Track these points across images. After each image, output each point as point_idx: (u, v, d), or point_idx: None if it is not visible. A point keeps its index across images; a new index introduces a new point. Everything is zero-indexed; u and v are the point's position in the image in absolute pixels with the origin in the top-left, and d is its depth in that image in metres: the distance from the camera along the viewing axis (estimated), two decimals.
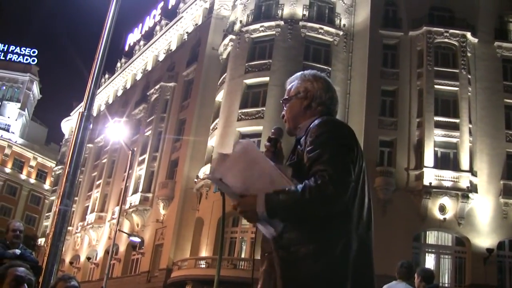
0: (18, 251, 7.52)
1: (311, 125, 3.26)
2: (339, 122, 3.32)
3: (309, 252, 2.96)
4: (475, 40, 43.15)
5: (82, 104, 6.47)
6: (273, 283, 3.11)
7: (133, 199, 51.88)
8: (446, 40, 42.74)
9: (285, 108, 3.57)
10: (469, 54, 42.42)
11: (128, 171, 34.91)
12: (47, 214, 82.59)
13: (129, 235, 44.51)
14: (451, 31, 42.73)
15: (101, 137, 66.38)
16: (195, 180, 44.70)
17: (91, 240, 60.84)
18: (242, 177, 3.05)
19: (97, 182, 65.07)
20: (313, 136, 3.16)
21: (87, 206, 65.28)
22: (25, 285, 4.21)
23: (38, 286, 5.24)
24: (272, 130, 3.59)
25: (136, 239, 43.54)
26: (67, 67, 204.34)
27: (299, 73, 3.65)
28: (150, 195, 50.98)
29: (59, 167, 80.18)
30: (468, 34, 42.74)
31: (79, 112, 6.25)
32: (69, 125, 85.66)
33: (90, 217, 62.16)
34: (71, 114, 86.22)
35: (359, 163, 3.17)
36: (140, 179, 52.95)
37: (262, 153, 3.26)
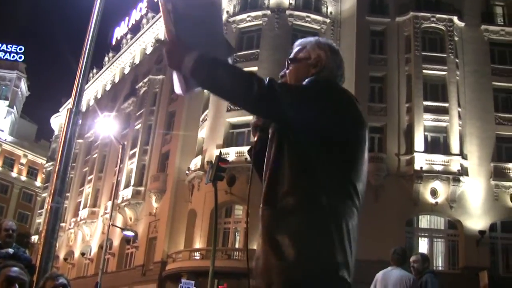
0: (11, 251, 7.50)
1: None
2: (327, 82, 3.01)
3: (298, 203, 2.66)
4: (462, 24, 43.24)
5: (71, 100, 6.45)
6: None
7: (125, 193, 51.79)
8: (433, 25, 42.81)
9: (286, 69, 3.21)
10: (456, 38, 42.53)
11: (119, 165, 34.88)
12: (39, 211, 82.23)
13: (123, 229, 44.52)
14: (437, 15, 42.78)
15: (91, 132, 66.08)
16: (187, 172, 44.69)
17: (84, 235, 60.72)
18: (193, 23, 2.79)
19: (89, 178, 64.88)
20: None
21: (80, 202, 65.08)
22: (16, 285, 4.20)
23: (33, 284, 5.24)
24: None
25: (130, 233, 43.57)
26: (54, 62, 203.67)
27: (313, 38, 3.29)
28: (142, 188, 50.90)
29: (50, 163, 79.83)
30: (455, 18, 42.81)
31: (68, 109, 6.23)
32: (58, 121, 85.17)
33: (83, 213, 62.02)
34: (60, 110, 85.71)
35: (347, 114, 2.91)
36: (132, 173, 52.84)
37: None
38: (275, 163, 2.84)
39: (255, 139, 3.22)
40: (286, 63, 3.22)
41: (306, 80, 2.95)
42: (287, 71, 3.20)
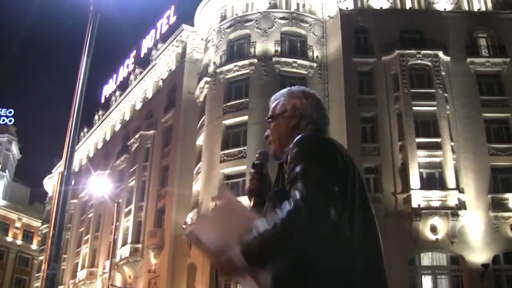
0: None
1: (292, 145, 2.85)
2: (321, 136, 2.95)
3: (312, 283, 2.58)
4: (448, 59, 43.55)
5: (62, 162, 6.33)
6: None
7: (123, 251, 51.32)
8: (419, 61, 43.09)
9: (268, 129, 3.18)
10: (443, 73, 42.78)
11: (116, 223, 34.63)
12: (37, 275, 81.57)
13: None
14: (423, 52, 43.11)
15: (85, 191, 65.86)
16: (184, 226, 44.34)
17: None
18: (220, 232, 2.70)
19: (85, 238, 64.46)
20: (291, 155, 2.78)
21: (77, 263, 64.57)
22: None
23: None
24: (257, 155, 3.30)
25: None
26: (45, 123, 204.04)
27: (285, 90, 3.25)
28: (139, 245, 50.46)
29: (45, 225, 79.41)
30: (440, 53, 43.15)
31: (59, 172, 6.11)
32: (51, 182, 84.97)
33: (81, 274, 61.48)
34: (52, 171, 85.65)
35: (350, 177, 2.77)
36: (128, 230, 52.45)
37: (239, 202, 2.85)
38: None
39: (251, 204, 3.19)
40: (266, 123, 3.19)
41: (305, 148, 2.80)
42: (269, 131, 3.17)
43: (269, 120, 3.19)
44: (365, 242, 2.72)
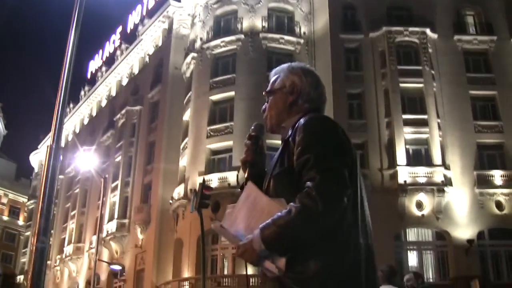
0: None
1: (299, 124, 2.94)
2: (328, 119, 3.00)
3: (319, 267, 2.67)
4: (435, 36, 43.55)
5: (50, 136, 6.32)
6: None
7: (110, 227, 51.34)
8: (407, 38, 43.08)
9: (266, 103, 3.25)
10: (430, 50, 42.83)
11: (102, 199, 34.58)
12: (23, 250, 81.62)
13: (109, 263, 44.10)
14: (410, 29, 43.08)
15: (71, 167, 65.72)
16: (170, 201, 44.39)
17: (71, 272, 60.15)
18: (245, 221, 2.86)
19: (72, 213, 64.44)
20: (300, 137, 2.85)
21: (64, 238, 64.61)
22: None
23: None
24: (252, 127, 3.31)
25: (117, 267, 43.12)
26: (31, 99, 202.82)
27: (285, 65, 3.34)
28: (126, 221, 50.50)
29: (32, 201, 79.34)
30: (428, 31, 43.14)
31: (48, 146, 6.08)
32: (38, 158, 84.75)
33: (68, 249, 61.52)
34: (39, 147, 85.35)
35: (354, 164, 2.89)
36: (115, 205, 52.43)
37: (260, 192, 2.92)
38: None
39: (245, 175, 3.19)
40: (265, 96, 3.27)
41: (311, 129, 2.90)
42: (267, 105, 3.25)
43: (268, 94, 3.25)
44: (362, 225, 2.86)
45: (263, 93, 3.28)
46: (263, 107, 3.28)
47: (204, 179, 31.03)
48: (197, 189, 23.06)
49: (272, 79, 3.29)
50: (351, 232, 2.77)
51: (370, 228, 2.95)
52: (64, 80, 6.46)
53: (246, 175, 3.19)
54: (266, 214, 2.77)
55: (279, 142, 3.14)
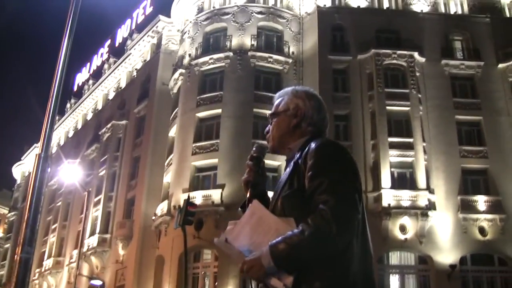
0: None
1: (309, 148, 3.01)
2: (339, 144, 3.09)
3: (325, 287, 2.74)
4: (423, 60, 43.82)
5: (36, 147, 6.25)
6: None
7: (91, 241, 50.91)
8: (395, 61, 43.28)
9: (270, 125, 3.34)
10: (418, 74, 43.06)
11: (85, 213, 34.38)
12: (2, 263, 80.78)
13: (89, 278, 43.74)
14: (398, 52, 43.32)
15: (54, 179, 65.27)
16: (153, 217, 44.15)
17: (49, 286, 59.61)
18: (250, 238, 2.90)
19: (53, 226, 63.95)
20: (312, 161, 2.93)
21: (44, 252, 64.02)
22: None
23: None
24: (254, 148, 3.38)
25: (97, 282, 42.79)
26: (13, 110, 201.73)
27: (289, 88, 3.42)
28: (108, 236, 50.10)
29: (13, 213, 78.74)
30: (416, 54, 43.40)
31: (36, 154, 6.06)
32: (20, 169, 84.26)
33: (48, 263, 60.98)
34: (22, 158, 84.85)
35: (360, 183, 2.99)
36: (97, 220, 52.04)
37: (267, 211, 2.98)
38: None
39: (247, 195, 3.26)
40: (269, 118, 3.37)
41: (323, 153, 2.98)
42: (270, 127, 3.34)
43: (272, 116, 3.35)
44: (365, 250, 2.94)
45: (267, 115, 3.39)
46: (267, 129, 3.37)
47: (189, 195, 30.96)
48: (181, 205, 22.99)
49: (276, 101, 3.38)
50: (356, 255, 2.83)
51: (371, 252, 3.00)
52: (55, 90, 6.47)
53: (248, 195, 3.24)
54: (273, 233, 2.82)
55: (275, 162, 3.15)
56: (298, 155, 3.07)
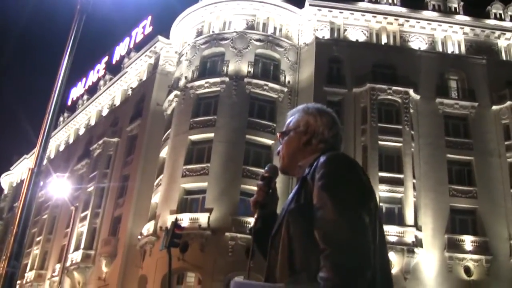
0: None
1: (318, 162, 2.86)
2: (349, 159, 2.96)
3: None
4: (418, 97, 44.07)
5: (28, 159, 6.24)
6: None
7: (75, 256, 50.54)
8: (389, 96, 43.50)
9: (280, 143, 3.23)
10: (411, 111, 43.25)
11: (71, 228, 34.18)
12: None
13: None
14: (394, 88, 43.55)
15: (42, 192, 64.88)
16: (139, 237, 43.92)
17: None
18: None
19: (37, 239, 63.55)
20: (319, 174, 2.77)
21: (26, 264, 63.46)
22: None
23: None
24: (266, 168, 3.26)
25: None
26: (4, 121, 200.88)
27: (301, 106, 3.34)
28: (92, 252, 49.78)
29: None
30: (411, 91, 43.66)
31: (29, 169, 6.02)
32: (8, 179, 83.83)
33: (29, 275, 60.47)
34: (11, 168, 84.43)
35: (373, 200, 2.84)
36: (82, 235, 51.72)
37: (254, 284, 2.79)
38: (291, 242, 2.78)
39: (256, 216, 3.16)
40: (279, 138, 3.26)
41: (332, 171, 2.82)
42: (281, 146, 3.23)
43: (282, 135, 3.24)
44: (383, 273, 2.72)
45: (278, 134, 3.30)
46: (278, 149, 3.26)
47: (176, 218, 30.84)
48: (168, 227, 22.88)
49: (288, 120, 3.29)
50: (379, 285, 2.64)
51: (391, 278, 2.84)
52: (53, 102, 6.47)
53: (256, 216, 3.16)
54: None
55: None
56: (307, 171, 2.92)
